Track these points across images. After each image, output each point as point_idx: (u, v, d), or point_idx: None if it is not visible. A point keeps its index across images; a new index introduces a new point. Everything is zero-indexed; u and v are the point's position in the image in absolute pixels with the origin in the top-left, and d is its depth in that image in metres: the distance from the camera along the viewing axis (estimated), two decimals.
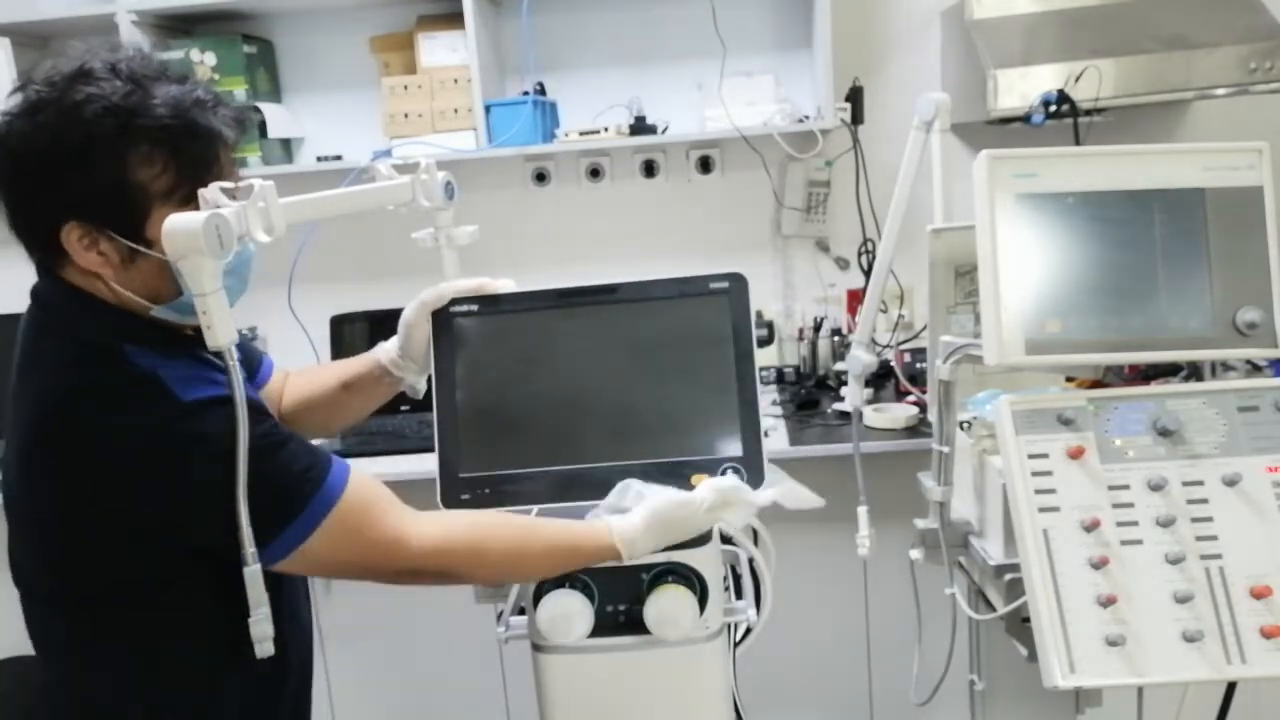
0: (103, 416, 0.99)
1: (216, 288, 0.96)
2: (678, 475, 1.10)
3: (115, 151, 0.98)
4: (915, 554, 1.48)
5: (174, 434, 0.99)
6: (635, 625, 1.10)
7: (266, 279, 1.19)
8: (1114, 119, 2.39)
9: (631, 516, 1.10)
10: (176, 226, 0.94)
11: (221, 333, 0.97)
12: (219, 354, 1.00)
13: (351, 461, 1.10)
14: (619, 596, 1.12)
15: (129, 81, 1.00)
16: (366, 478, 1.10)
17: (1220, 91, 2.18)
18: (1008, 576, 1.29)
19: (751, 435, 1.10)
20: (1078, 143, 2.01)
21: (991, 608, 1.35)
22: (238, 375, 0.98)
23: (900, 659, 2.39)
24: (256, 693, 1.14)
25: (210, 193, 0.99)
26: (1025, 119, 2.10)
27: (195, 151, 1.02)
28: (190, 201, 1.00)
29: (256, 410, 1.04)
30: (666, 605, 1.08)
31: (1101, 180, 1.14)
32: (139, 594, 1.05)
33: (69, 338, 1.04)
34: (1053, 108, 2.01)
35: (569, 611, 1.09)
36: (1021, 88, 2.18)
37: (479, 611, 1.25)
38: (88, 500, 1.01)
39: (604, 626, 1.11)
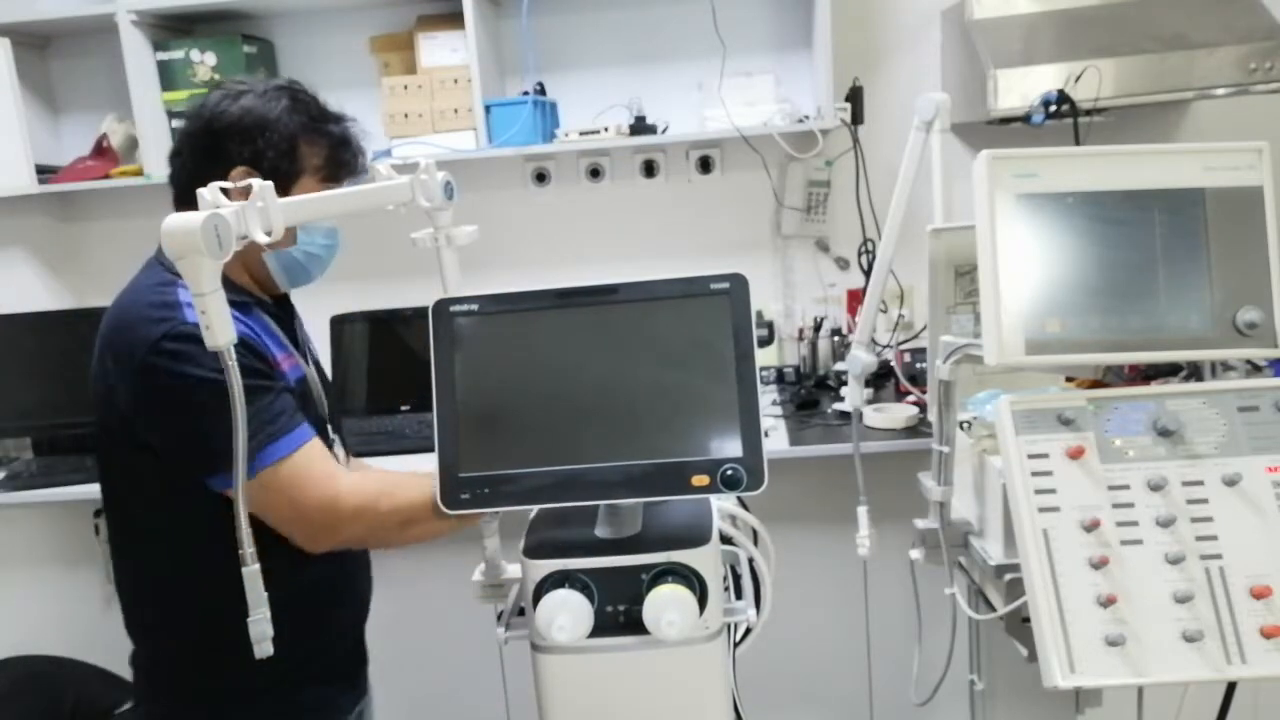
0: (126, 329, 1.25)
1: (215, 288, 0.96)
2: (678, 476, 1.10)
3: (293, 129, 1.33)
4: (915, 554, 1.48)
5: (162, 348, 1.21)
6: (635, 625, 1.10)
7: None
8: (1114, 119, 2.39)
9: None
10: (175, 226, 0.94)
11: (220, 332, 0.97)
12: (235, 348, 1.03)
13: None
14: (619, 596, 1.11)
15: (312, 101, 1.38)
16: (316, 448, 1.28)
17: (1220, 91, 2.18)
18: (1008, 576, 1.29)
19: (752, 435, 1.10)
20: (1078, 143, 2.01)
21: (991, 608, 1.35)
22: (235, 374, 0.98)
23: (900, 659, 2.39)
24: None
25: (209, 193, 0.99)
26: (1025, 119, 2.10)
27: (343, 157, 1.39)
28: (323, 184, 1.36)
29: (250, 370, 1.22)
30: (666, 605, 1.08)
31: (1101, 180, 1.14)
32: (162, 495, 1.29)
33: (152, 266, 1.33)
34: (1053, 108, 2.01)
35: (569, 611, 1.08)
36: (1021, 88, 2.18)
37: (479, 611, 1.25)
38: (111, 404, 1.27)
39: (604, 626, 1.11)
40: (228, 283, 1.23)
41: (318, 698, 1.42)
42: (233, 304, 1.21)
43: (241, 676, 1.24)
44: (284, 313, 1.47)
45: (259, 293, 1.42)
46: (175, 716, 1.39)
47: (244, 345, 1.24)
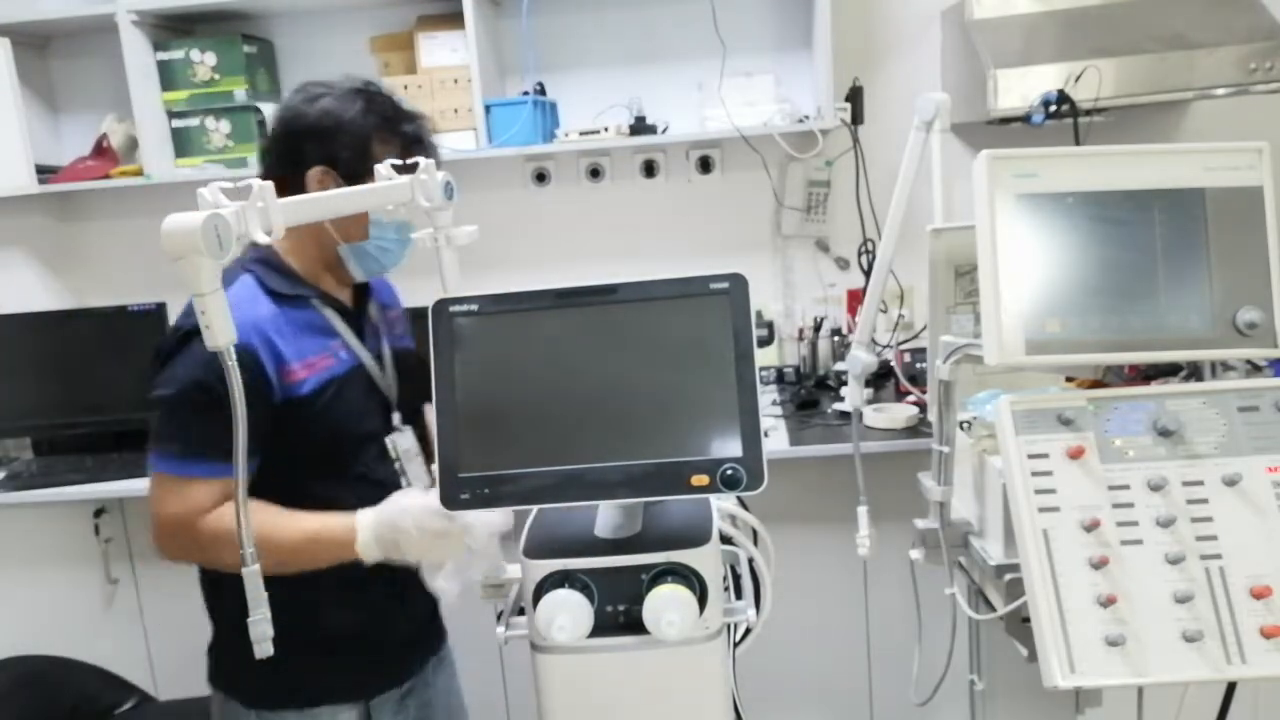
0: (181, 316, 1.35)
1: (215, 288, 0.96)
2: (677, 476, 1.10)
3: (368, 130, 1.40)
4: (915, 554, 1.48)
5: (176, 338, 1.31)
6: (635, 625, 1.10)
7: None
8: (1114, 119, 2.39)
9: (369, 514, 1.30)
10: (175, 226, 0.93)
11: (220, 333, 0.97)
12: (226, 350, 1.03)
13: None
14: (619, 596, 1.11)
15: (386, 102, 1.44)
16: (208, 509, 1.30)
17: (1220, 91, 2.18)
18: (1008, 576, 1.29)
19: (751, 436, 1.10)
20: (1078, 143, 2.01)
21: (991, 608, 1.35)
22: (235, 376, 0.98)
23: (900, 659, 2.39)
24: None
25: (209, 193, 0.99)
26: (1025, 119, 2.10)
27: (415, 153, 1.39)
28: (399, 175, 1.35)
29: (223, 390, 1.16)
30: (666, 605, 1.08)
31: (1101, 180, 1.14)
32: None
33: (236, 271, 1.41)
34: (1053, 108, 2.01)
35: (569, 611, 1.08)
36: (1021, 88, 2.18)
37: (479, 611, 1.25)
38: None
39: (604, 626, 1.11)
40: (293, 275, 1.43)
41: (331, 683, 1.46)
42: (286, 298, 1.40)
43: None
44: (357, 301, 1.53)
45: (327, 285, 1.47)
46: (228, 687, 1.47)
47: (241, 362, 1.22)
